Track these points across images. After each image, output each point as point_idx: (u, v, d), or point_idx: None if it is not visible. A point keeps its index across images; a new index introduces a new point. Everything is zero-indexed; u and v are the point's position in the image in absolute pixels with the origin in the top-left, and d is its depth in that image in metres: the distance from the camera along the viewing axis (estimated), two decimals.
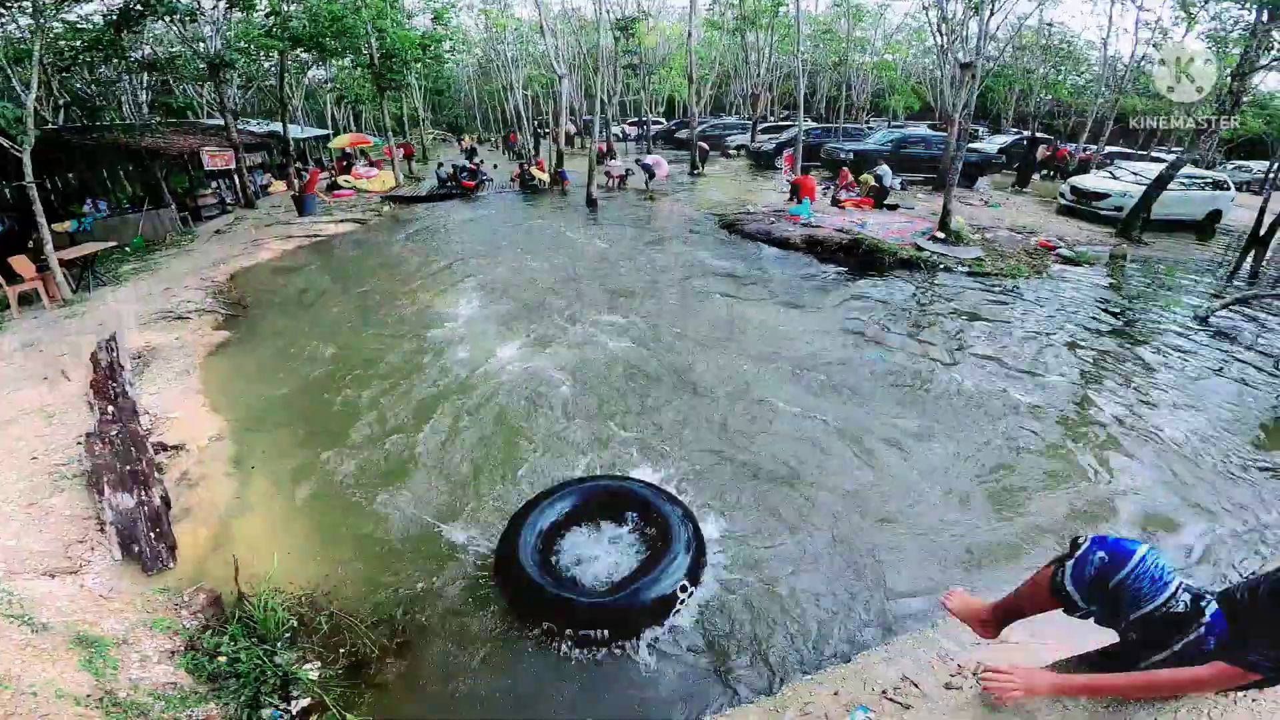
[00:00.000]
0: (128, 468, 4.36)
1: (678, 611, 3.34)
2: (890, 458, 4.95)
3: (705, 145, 22.59)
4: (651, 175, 16.82)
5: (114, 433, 4.73)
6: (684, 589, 3.36)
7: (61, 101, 18.44)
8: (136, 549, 3.80)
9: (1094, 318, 8.17)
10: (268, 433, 5.32)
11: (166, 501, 4.22)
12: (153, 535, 3.89)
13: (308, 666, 3.26)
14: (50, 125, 16.43)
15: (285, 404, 5.84)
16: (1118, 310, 8.59)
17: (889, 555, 3.94)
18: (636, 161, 17.43)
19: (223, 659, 3.18)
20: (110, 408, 5.15)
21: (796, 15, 18.34)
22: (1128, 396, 6.03)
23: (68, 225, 11.40)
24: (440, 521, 4.23)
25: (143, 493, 4.16)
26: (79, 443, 4.65)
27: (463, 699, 3.11)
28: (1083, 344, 7.28)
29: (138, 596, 3.50)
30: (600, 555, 3.78)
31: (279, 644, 3.31)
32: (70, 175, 14.13)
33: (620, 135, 31.08)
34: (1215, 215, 14.24)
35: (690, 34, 19.79)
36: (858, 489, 4.55)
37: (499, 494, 4.50)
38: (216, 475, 4.67)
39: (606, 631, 3.22)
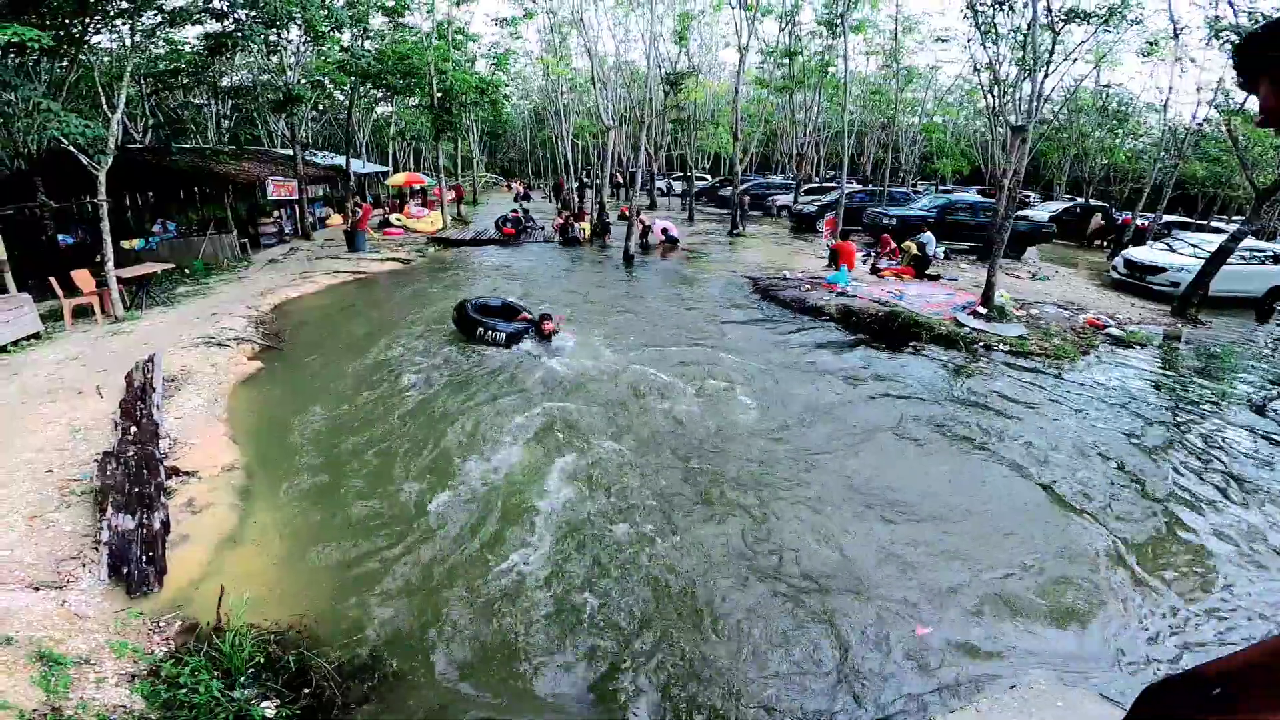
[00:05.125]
0: (135, 490, 4.50)
1: (521, 340, 8.44)
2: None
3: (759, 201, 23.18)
4: (674, 241, 17.22)
5: (130, 454, 4.90)
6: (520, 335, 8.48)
7: (150, 122, 20.03)
8: (125, 571, 3.89)
9: (1143, 406, 7.63)
10: (279, 469, 5.43)
11: (166, 526, 4.32)
12: (144, 559, 3.98)
13: (265, 705, 3.23)
14: (136, 143, 17.85)
15: (302, 441, 5.94)
16: (1169, 398, 8.06)
17: None
18: (663, 232, 17.66)
19: (182, 690, 3.18)
20: (133, 428, 5.36)
21: (844, 77, 18.61)
22: (1181, 490, 5.64)
23: (135, 243, 12.21)
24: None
25: (144, 516, 4.28)
26: (95, 460, 4.83)
27: None
28: (1130, 436, 6.73)
29: (113, 618, 3.56)
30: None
31: (241, 679, 3.29)
32: (150, 193, 15.17)
33: (663, 190, 31.52)
34: (1276, 292, 13.46)
35: (737, 91, 20.24)
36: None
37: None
38: (222, 505, 4.77)
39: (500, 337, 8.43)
